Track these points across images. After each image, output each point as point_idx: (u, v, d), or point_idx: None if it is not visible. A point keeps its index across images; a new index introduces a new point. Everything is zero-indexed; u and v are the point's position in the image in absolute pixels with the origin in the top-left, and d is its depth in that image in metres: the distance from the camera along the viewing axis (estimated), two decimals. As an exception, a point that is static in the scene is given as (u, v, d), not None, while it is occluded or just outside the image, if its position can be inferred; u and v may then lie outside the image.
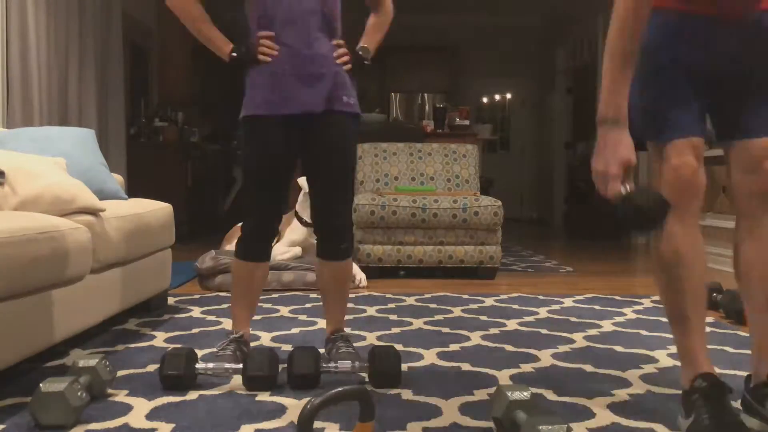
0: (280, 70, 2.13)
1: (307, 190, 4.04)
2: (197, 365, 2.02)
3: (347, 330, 2.77)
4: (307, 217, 4.08)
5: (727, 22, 1.67)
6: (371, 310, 3.20)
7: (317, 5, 2.15)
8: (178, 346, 2.04)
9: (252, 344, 2.52)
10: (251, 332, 2.70)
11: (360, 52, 2.24)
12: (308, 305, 3.31)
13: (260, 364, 1.98)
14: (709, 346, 2.52)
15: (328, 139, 2.18)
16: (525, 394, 1.61)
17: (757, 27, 1.68)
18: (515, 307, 3.33)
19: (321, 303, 2.43)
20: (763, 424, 1.69)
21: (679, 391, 1.74)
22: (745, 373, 2.18)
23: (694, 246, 1.68)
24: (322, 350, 2.34)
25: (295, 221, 4.14)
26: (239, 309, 2.27)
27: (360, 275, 3.98)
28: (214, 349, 2.26)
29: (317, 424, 1.70)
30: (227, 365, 2.05)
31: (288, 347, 2.49)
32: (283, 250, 4.07)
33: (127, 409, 1.83)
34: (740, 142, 1.72)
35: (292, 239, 4.13)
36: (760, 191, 1.68)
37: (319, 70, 2.13)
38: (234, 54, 2.19)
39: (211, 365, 2.04)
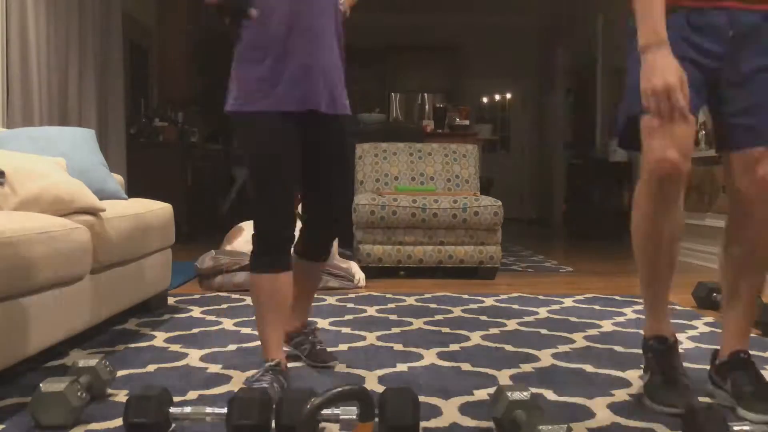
0: (283, 59, 1.92)
1: None
2: (171, 409, 1.66)
3: (347, 329, 2.77)
4: None
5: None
6: (371, 310, 3.20)
7: (330, 6, 1.99)
8: (151, 385, 1.66)
9: (252, 344, 2.52)
10: (252, 332, 2.70)
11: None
12: (308, 305, 3.31)
13: (248, 411, 1.59)
14: (709, 346, 2.53)
15: (333, 144, 2.06)
16: (525, 394, 1.61)
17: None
18: (515, 307, 3.33)
19: (311, 303, 2.38)
20: (727, 396, 1.87)
21: None
22: (745, 373, 2.18)
23: (671, 221, 1.82)
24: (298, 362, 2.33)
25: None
26: (270, 330, 1.99)
27: (359, 274, 3.97)
28: (242, 384, 1.98)
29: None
30: (208, 410, 1.67)
31: (287, 347, 2.48)
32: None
33: (127, 409, 1.82)
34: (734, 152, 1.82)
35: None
36: (754, 193, 1.79)
37: (324, 64, 1.97)
38: None
39: (188, 409, 1.67)
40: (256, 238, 1.99)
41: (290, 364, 2.25)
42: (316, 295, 3.56)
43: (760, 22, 1.75)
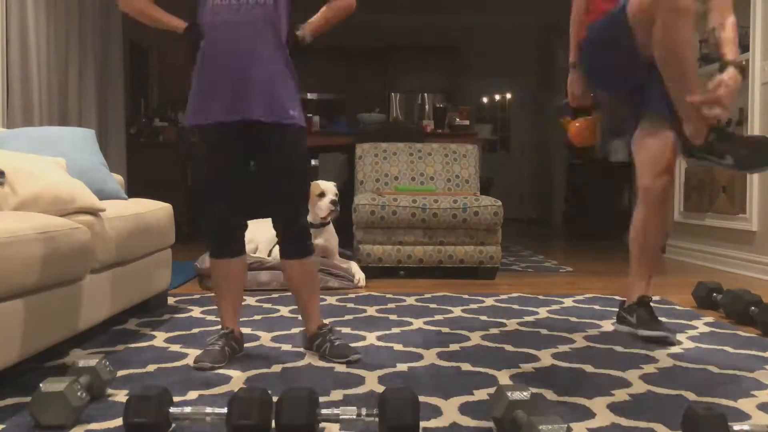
0: (221, 75, 2.19)
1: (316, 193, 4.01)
2: (171, 409, 1.67)
3: (347, 329, 2.77)
4: (312, 219, 4.08)
5: None
6: (371, 310, 3.20)
7: (262, 11, 2.18)
8: (153, 386, 1.66)
9: (252, 344, 2.52)
10: (252, 332, 2.71)
11: (295, 30, 2.27)
12: (308, 305, 3.30)
13: (248, 411, 1.59)
14: (709, 346, 2.53)
15: (277, 153, 2.25)
16: (525, 394, 1.61)
17: None
18: (515, 307, 3.33)
19: (317, 304, 2.45)
20: (631, 329, 2.69)
21: (678, 392, 1.98)
22: (746, 374, 2.19)
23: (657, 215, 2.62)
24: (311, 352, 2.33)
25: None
26: (225, 303, 2.38)
27: (359, 274, 3.97)
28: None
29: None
30: (208, 410, 1.69)
31: (288, 347, 2.49)
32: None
33: (127, 409, 1.82)
34: None
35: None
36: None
37: (261, 76, 2.18)
38: (187, 28, 2.25)
39: (188, 409, 1.68)
40: (204, 233, 2.35)
41: (289, 365, 2.26)
42: (316, 295, 3.58)
43: None
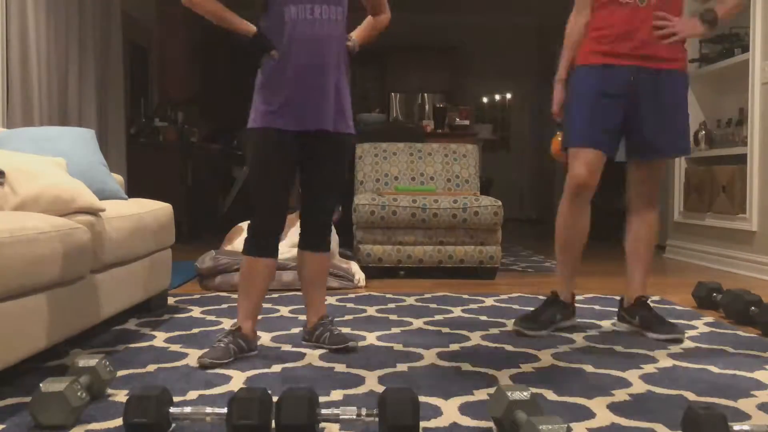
0: (299, 86, 2.29)
1: None
2: (171, 409, 1.66)
3: (347, 329, 2.77)
4: None
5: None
6: (371, 310, 3.20)
7: (336, 28, 2.32)
8: (151, 385, 1.65)
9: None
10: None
11: (348, 41, 2.43)
12: (308, 305, 3.30)
13: (248, 411, 1.58)
14: (709, 346, 2.54)
15: (332, 159, 2.42)
16: (525, 394, 1.61)
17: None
18: (515, 307, 3.33)
19: (323, 297, 2.58)
20: (632, 327, 2.78)
21: (678, 392, 1.96)
22: (746, 374, 2.19)
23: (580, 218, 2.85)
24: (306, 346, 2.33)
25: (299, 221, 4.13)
26: (245, 301, 2.38)
27: (359, 274, 3.97)
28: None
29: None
30: (208, 410, 1.69)
31: (288, 347, 2.49)
32: (283, 250, 4.07)
33: (127, 409, 1.82)
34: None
35: (294, 240, 4.12)
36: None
37: (333, 88, 2.33)
38: (256, 35, 2.31)
39: (188, 410, 1.67)
40: (249, 227, 2.38)
41: (289, 365, 2.26)
42: (316, 295, 3.58)
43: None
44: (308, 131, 2.33)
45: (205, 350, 2.31)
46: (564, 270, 2.86)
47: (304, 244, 2.52)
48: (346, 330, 2.77)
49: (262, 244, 2.36)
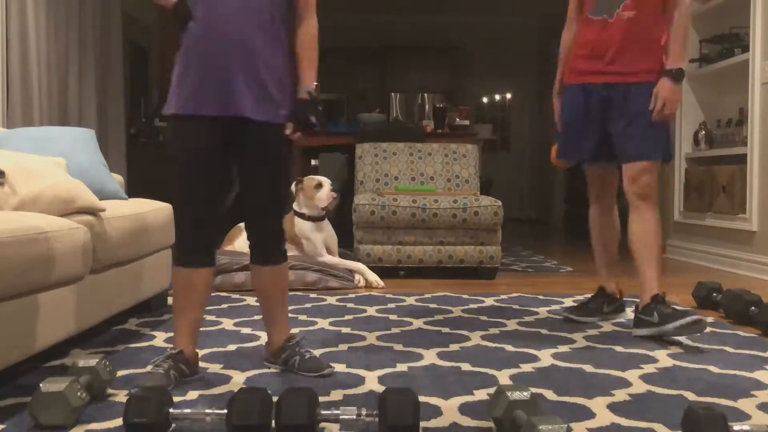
0: (213, 63, 1.99)
1: (301, 187, 4.10)
2: (171, 410, 1.66)
3: (347, 329, 2.77)
4: (310, 212, 4.11)
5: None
6: (371, 310, 3.20)
7: (265, 3, 2.01)
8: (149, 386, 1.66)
9: (252, 344, 2.52)
10: (252, 332, 2.70)
11: (308, 96, 2.08)
12: (308, 305, 3.31)
13: (248, 411, 1.58)
14: (709, 346, 2.53)
15: (260, 153, 2.08)
16: (525, 394, 1.61)
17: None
18: (515, 307, 3.33)
19: (286, 315, 2.29)
20: (652, 328, 2.64)
21: (678, 392, 1.96)
22: (746, 374, 2.19)
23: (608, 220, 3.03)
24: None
25: (297, 219, 4.14)
26: (181, 320, 2.10)
27: (373, 277, 3.94)
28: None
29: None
30: (208, 410, 1.67)
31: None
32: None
33: (127, 409, 1.82)
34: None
35: (291, 236, 4.13)
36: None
37: (250, 68, 2.00)
38: (176, 5, 2.08)
39: (188, 410, 1.67)
40: (176, 236, 2.13)
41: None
42: (316, 295, 3.57)
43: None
44: (227, 118, 2.01)
45: (142, 375, 2.10)
46: (600, 267, 3.11)
47: (252, 256, 2.19)
48: (346, 330, 2.77)
49: (190, 255, 2.07)
